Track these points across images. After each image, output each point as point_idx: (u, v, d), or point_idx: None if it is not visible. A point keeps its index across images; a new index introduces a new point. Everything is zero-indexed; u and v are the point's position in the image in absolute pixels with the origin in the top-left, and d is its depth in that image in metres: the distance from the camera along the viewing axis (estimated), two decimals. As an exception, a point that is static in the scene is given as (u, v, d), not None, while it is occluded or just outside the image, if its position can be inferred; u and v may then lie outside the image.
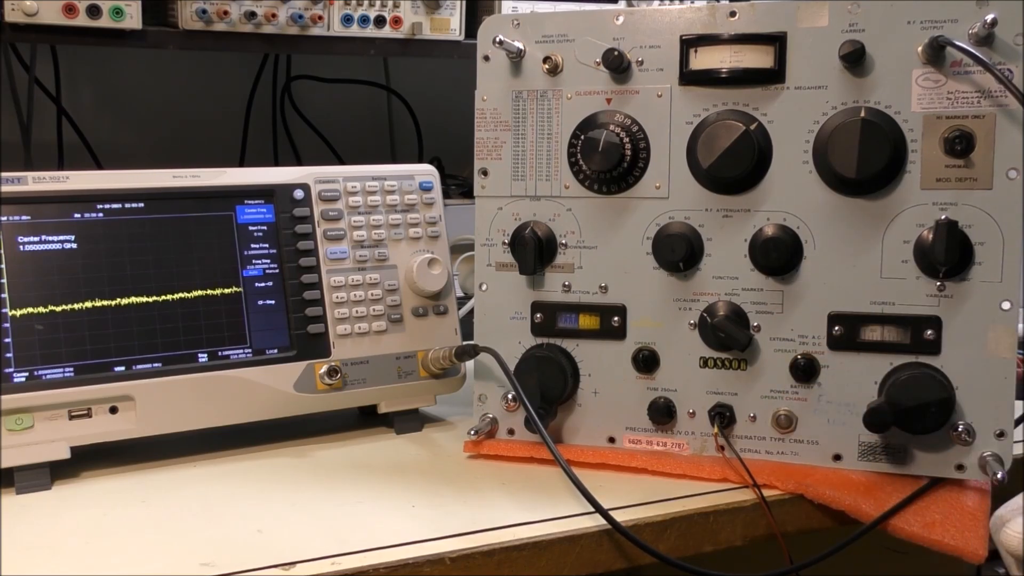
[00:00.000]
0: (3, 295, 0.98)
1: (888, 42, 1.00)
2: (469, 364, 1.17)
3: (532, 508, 0.96)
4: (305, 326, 1.10)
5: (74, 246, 1.02)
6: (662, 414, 1.08)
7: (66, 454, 0.99)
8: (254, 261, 1.10)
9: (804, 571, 0.96)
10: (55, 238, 1.01)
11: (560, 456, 0.99)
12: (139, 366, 1.03)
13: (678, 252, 1.05)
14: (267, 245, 1.10)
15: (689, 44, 1.05)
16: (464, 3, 1.59)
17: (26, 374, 0.98)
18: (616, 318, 1.09)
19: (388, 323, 1.15)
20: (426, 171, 1.21)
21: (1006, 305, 0.99)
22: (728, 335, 1.03)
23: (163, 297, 1.05)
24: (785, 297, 1.05)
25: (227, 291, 1.08)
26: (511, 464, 1.07)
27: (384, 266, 1.16)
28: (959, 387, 1.00)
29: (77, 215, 1.03)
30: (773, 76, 1.03)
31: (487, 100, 1.11)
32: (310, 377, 1.10)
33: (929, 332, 1.00)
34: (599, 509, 0.93)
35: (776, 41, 1.02)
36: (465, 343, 1.14)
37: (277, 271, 1.10)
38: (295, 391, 1.09)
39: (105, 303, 1.02)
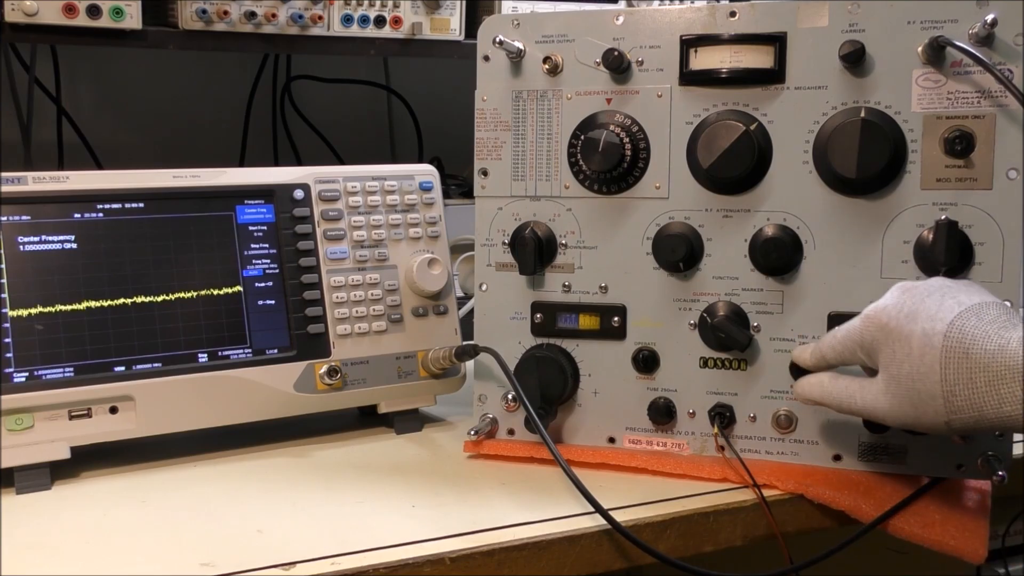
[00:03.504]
0: (3, 295, 0.98)
1: (888, 42, 1.00)
2: (469, 364, 1.17)
3: (532, 508, 0.96)
4: (305, 326, 1.10)
5: (74, 246, 1.02)
6: (662, 414, 1.08)
7: (66, 454, 0.99)
8: (254, 261, 1.10)
9: (804, 571, 0.96)
10: (55, 238, 1.01)
11: (560, 456, 0.99)
12: (139, 366, 1.03)
13: (678, 252, 1.05)
14: (267, 245, 1.10)
15: (689, 44, 1.05)
16: (464, 3, 1.59)
17: (26, 374, 0.98)
18: (616, 318, 1.09)
19: (388, 323, 1.15)
20: (426, 171, 1.21)
21: (1006, 305, 0.98)
22: (728, 335, 1.03)
23: (163, 297, 1.05)
24: (785, 297, 1.05)
25: (227, 291, 1.08)
26: (511, 464, 1.07)
27: (384, 266, 1.16)
28: (959, 387, 1.00)
29: (77, 215, 1.03)
30: (773, 76, 1.03)
31: (487, 100, 1.11)
32: (310, 377, 1.10)
33: (929, 332, 1.00)
34: (599, 509, 0.93)
35: (776, 41, 1.02)
36: (465, 343, 1.14)
37: (277, 271, 1.10)
38: (295, 391, 1.09)
39: (105, 303, 1.02)
